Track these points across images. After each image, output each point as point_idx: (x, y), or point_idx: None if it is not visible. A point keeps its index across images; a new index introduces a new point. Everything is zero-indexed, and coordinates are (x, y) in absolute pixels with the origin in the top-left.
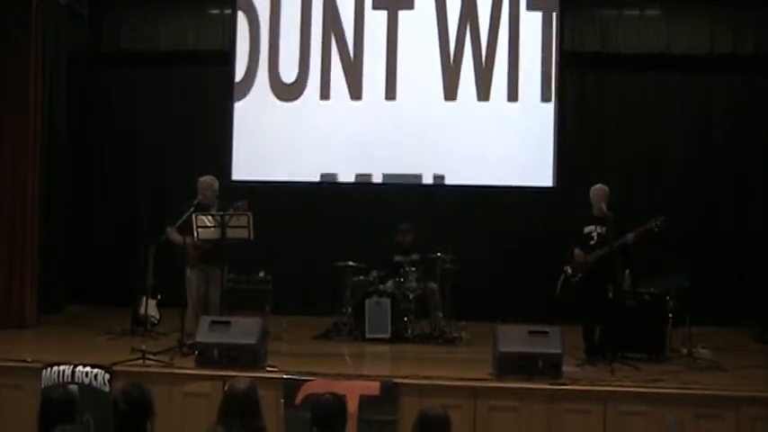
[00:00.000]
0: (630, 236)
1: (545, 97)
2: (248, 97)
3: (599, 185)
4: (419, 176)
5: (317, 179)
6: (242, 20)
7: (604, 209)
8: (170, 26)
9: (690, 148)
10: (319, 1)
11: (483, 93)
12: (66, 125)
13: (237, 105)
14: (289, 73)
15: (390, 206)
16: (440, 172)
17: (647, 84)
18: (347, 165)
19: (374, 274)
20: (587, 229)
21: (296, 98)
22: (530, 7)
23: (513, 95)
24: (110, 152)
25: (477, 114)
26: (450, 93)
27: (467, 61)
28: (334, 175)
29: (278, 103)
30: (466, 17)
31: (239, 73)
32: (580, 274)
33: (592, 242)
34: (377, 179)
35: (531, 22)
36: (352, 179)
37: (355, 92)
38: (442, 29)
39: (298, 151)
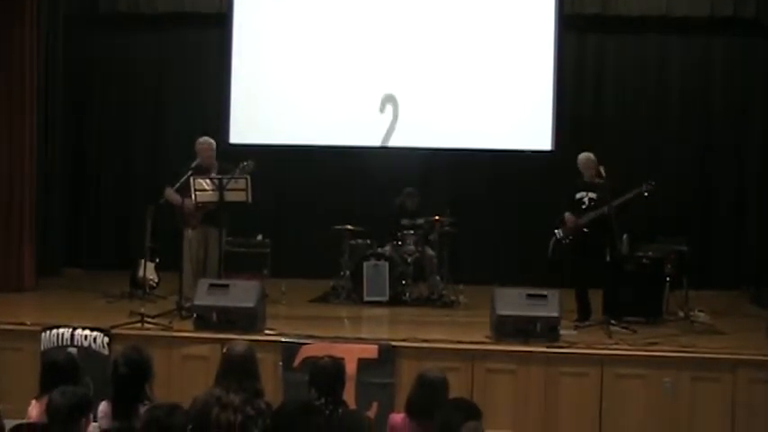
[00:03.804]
0: (621, 200)
1: (544, 60)
2: (246, 60)
3: (586, 154)
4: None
5: (316, 143)
6: None
7: (594, 176)
8: None
9: (689, 111)
10: None
11: (481, 56)
12: (63, 88)
13: (235, 68)
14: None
15: (388, 170)
16: (439, 135)
17: (647, 46)
18: (345, 128)
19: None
20: (579, 195)
21: (296, 63)
22: None
23: (512, 59)
24: (107, 115)
25: (475, 78)
26: (449, 56)
27: (465, 25)
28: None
29: (277, 66)
30: None
31: (237, 35)
32: (571, 237)
33: (584, 206)
34: (375, 142)
35: None
36: (350, 143)
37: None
38: None
39: (296, 115)
